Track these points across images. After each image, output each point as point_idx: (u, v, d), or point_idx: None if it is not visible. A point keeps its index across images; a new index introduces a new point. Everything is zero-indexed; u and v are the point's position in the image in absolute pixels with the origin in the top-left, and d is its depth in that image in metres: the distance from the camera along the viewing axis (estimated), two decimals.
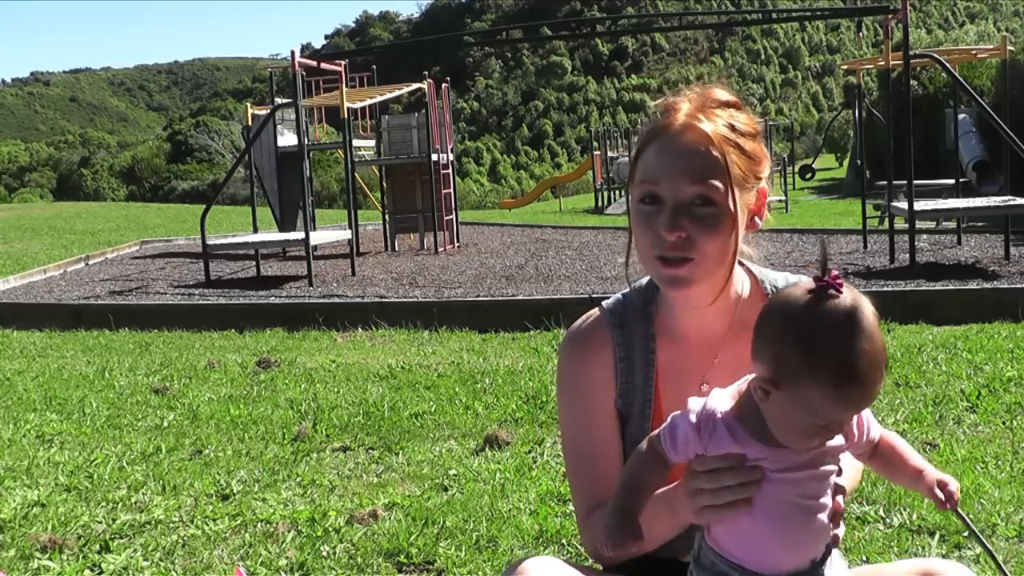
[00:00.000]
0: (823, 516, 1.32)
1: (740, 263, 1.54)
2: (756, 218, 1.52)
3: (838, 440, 1.33)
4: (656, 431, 1.36)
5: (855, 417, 1.36)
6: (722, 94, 1.49)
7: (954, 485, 1.38)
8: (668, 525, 1.43)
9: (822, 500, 1.31)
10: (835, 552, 1.39)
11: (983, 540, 1.50)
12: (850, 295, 1.23)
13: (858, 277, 8.28)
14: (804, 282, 1.27)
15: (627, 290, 1.63)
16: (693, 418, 1.33)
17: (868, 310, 1.23)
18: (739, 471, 1.29)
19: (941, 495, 1.38)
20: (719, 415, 1.32)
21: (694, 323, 1.55)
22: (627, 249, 1.55)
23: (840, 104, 65.97)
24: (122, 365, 6.53)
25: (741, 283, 1.56)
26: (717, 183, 1.43)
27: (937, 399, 4.61)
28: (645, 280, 1.60)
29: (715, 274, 1.48)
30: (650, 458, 1.34)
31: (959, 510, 1.40)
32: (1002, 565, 1.49)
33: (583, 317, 1.64)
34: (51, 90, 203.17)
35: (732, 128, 1.46)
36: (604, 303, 1.63)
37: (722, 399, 1.35)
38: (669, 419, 1.36)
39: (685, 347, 1.56)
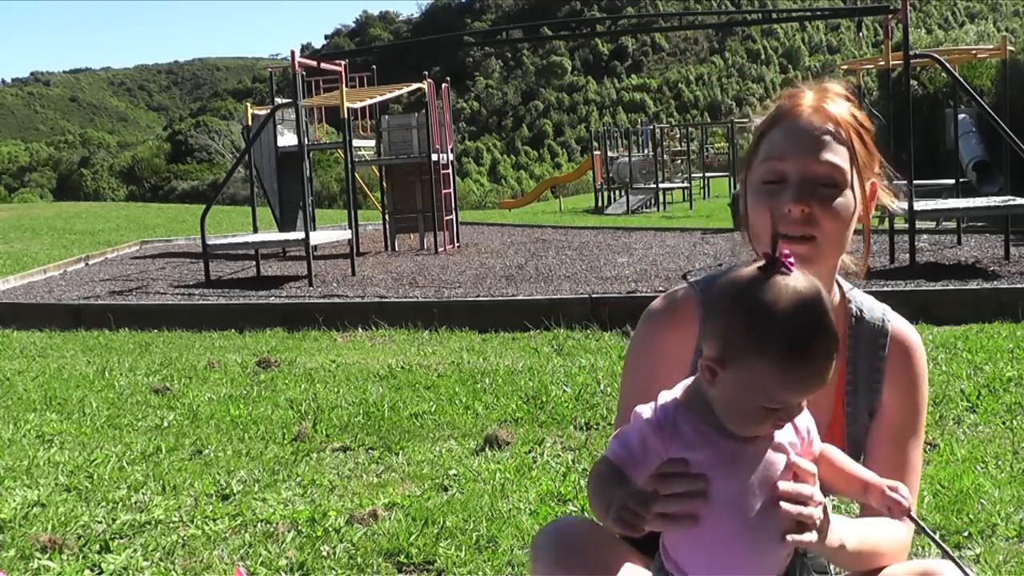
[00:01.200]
0: (778, 518, 1.26)
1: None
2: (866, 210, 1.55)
3: (789, 436, 1.30)
4: (604, 452, 1.32)
5: (804, 423, 1.33)
6: (839, 88, 1.55)
7: (904, 490, 1.36)
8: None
9: (773, 496, 1.26)
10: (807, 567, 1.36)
11: (940, 542, 1.44)
12: (800, 273, 1.21)
13: (858, 277, 8.27)
14: (753, 264, 1.26)
15: (717, 270, 1.63)
16: (649, 414, 1.29)
17: (817, 288, 1.21)
18: (686, 479, 1.24)
19: (895, 497, 1.35)
20: (673, 408, 1.29)
21: None
22: (745, 231, 1.56)
23: None
24: (122, 365, 6.53)
25: (833, 291, 1.56)
26: (843, 165, 1.46)
27: (937, 399, 4.61)
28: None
29: (832, 258, 1.50)
30: (613, 480, 1.26)
31: (912, 516, 1.38)
32: (960, 564, 1.45)
33: (666, 294, 1.62)
34: (51, 90, 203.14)
35: (855, 116, 1.52)
36: (697, 280, 1.62)
37: (672, 395, 1.32)
38: (615, 433, 1.32)
39: None
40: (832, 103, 1.50)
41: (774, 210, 1.44)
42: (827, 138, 1.47)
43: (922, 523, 1.42)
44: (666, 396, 1.32)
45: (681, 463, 1.25)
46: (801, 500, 1.27)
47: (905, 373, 1.55)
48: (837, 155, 1.46)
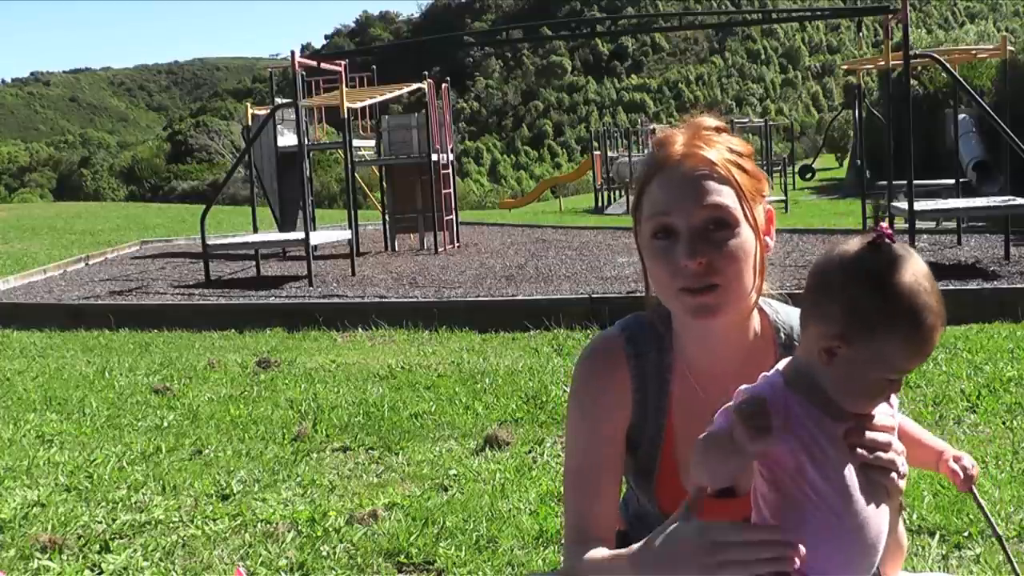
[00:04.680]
0: (882, 491, 1.27)
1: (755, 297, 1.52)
2: (767, 238, 1.50)
3: (888, 417, 1.31)
4: (707, 434, 1.29)
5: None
6: (711, 121, 1.50)
7: (968, 461, 1.35)
8: None
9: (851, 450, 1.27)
10: None
11: (993, 523, 1.45)
12: (901, 245, 1.24)
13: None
14: (852, 240, 1.27)
15: (646, 312, 1.60)
16: (756, 391, 1.28)
17: (919, 257, 1.25)
18: (776, 546, 1.23)
19: (958, 469, 1.35)
20: (783, 389, 1.28)
21: (708, 359, 1.52)
22: (644, 283, 1.54)
23: (840, 104, 65.97)
24: (122, 365, 6.52)
25: (756, 321, 1.54)
26: (727, 204, 1.42)
27: (937, 399, 4.62)
28: (662, 307, 1.57)
29: (741, 299, 1.45)
30: (729, 449, 1.25)
31: (974, 489, 1.37)
32: (1007, 550, 1.45)
33: (601, 337, 1.61)
34: (51, 90, 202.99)
35: (730, 149, 1.47)
36: (621, 325, 1.60)
37: (775, 374, 1.31)
38: (718, 418, 1.30)
39: (698, 382, 1.54)
40: (704, 144, 1.45)
41: (674, 271, 1.42)
42: (706, 182, 1.42)
43: (981, 500, 1.41)
44: (766, 374, 1.32)
45: (769, 530, 1.25)
46: (877, 447, 1.27)
47: None
48: (720, 195, 1.42)
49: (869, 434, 1.27)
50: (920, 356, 1.24)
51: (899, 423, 1.39)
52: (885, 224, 1.25)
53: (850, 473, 1.26)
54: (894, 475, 1.28)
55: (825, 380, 1.26)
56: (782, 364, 1.33)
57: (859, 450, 1.26)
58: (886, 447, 1.28)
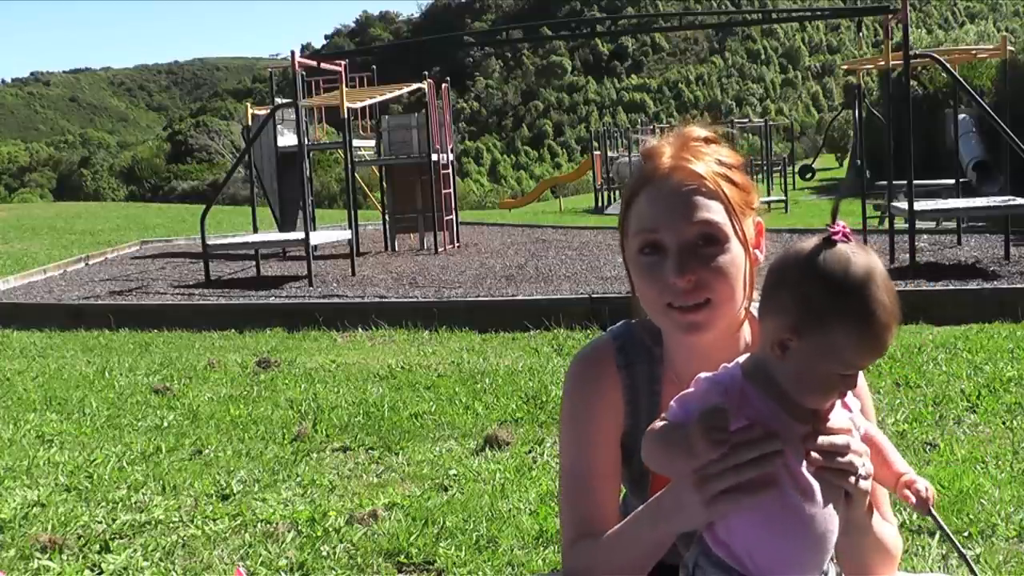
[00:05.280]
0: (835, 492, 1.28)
1: (746, 309, 1.51)
2: (756, 251, 1.49)
3: (844, 419, 1.31)
4: (656, 425, 1.32)
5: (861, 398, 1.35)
6: (699, 131, 1.48)
7: (922, 485, 1.37)
8: (647, 547, 1.39)
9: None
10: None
11: (956, 543, 1.47)
12: (856, 244, 1.25)
13: None
14: (809, 238, 1.28)
15: (637, 322, 1.58)
16: (714, 379, 1.30)
17: (875, 256, 1.26)
18: (761, 442, 1.23)
19: (910, 495, 1.36)
20: (741, 379, 1.29)
21: (698, 371, 1.49)
22: (631, 291, 1.53)
23: (840, 104, 65.96)
24: (122, 365, 6.52)
25: (747, 331, 1.53)
26: (716, 219, 1.40)
27: (937, 399, 4.62)
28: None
29: (731, 314, 1.45)
30: (681, 449, 1.27)
31: (932, 512, 1.38)
32: (973, 567, 1.47)
33: (592, 345, 1.60)
34: (51, 90, 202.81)
35: (719, 162, 1.45)
36: (612, 334, 1.59)
37: (735, 365, 1.32)
38: (673, 406, 1.32)
39: None
40: (692, 156, 1.43)
41: (661, 288, 1.41)
42: (695, 197, 1.40)
43: (940, 520, 1.42)
44: (727, 365, 1.33)
45: (748, 428, 1.25)
46: (835, 451, 1.27)
47: None
48: (709, 210, 1.39)
49: (826, 439, 1.27)
50: (872, 353, 1.25)
51: (868, 431, 1.39)
52: (842, 223, 1.25)
53: (806, 469, 1.27)
54: (853, 478, 1.28)
55: (779, 374, 1.28)
56: (742, 357, 1.34)
57: (815, 455, 1.26)
58: (843, 451, 1.28)
